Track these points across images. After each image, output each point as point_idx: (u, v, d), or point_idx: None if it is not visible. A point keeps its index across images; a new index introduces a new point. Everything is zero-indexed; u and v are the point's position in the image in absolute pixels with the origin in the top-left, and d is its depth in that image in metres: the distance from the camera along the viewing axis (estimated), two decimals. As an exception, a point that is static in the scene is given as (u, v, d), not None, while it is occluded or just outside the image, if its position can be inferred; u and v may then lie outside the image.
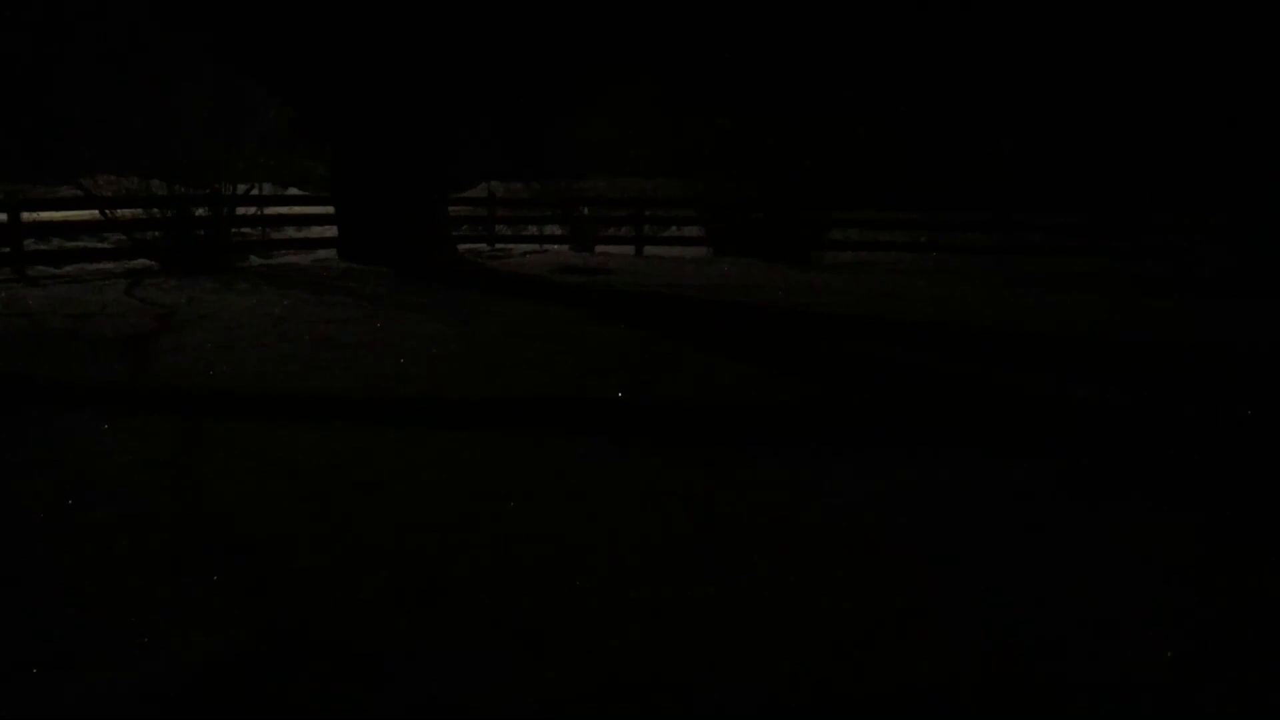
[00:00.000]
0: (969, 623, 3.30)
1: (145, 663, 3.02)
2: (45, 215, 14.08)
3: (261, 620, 3.31)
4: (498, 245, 17.60)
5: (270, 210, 16.53)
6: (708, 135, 17.54)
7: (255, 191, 14.57)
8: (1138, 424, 5.91)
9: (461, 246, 15.96)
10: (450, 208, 16.20)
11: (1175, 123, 18.64)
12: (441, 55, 13.59)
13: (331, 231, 15.51)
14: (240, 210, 14.32)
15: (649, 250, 17.11)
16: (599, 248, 17.50)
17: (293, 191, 22.75)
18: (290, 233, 17.13)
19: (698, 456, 5.12)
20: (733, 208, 16.84)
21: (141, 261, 13.75)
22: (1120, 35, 18.09)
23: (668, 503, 4.42)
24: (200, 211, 13.69)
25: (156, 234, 13.68)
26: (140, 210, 13.73)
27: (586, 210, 17.98)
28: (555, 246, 17.72)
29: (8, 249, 12.99)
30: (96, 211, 13.83)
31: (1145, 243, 16.23)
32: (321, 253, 15.49)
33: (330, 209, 15.53)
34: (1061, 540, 4.02)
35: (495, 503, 4.42)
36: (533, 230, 18.69)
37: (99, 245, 14.70)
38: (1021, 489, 4.60)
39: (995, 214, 16.96)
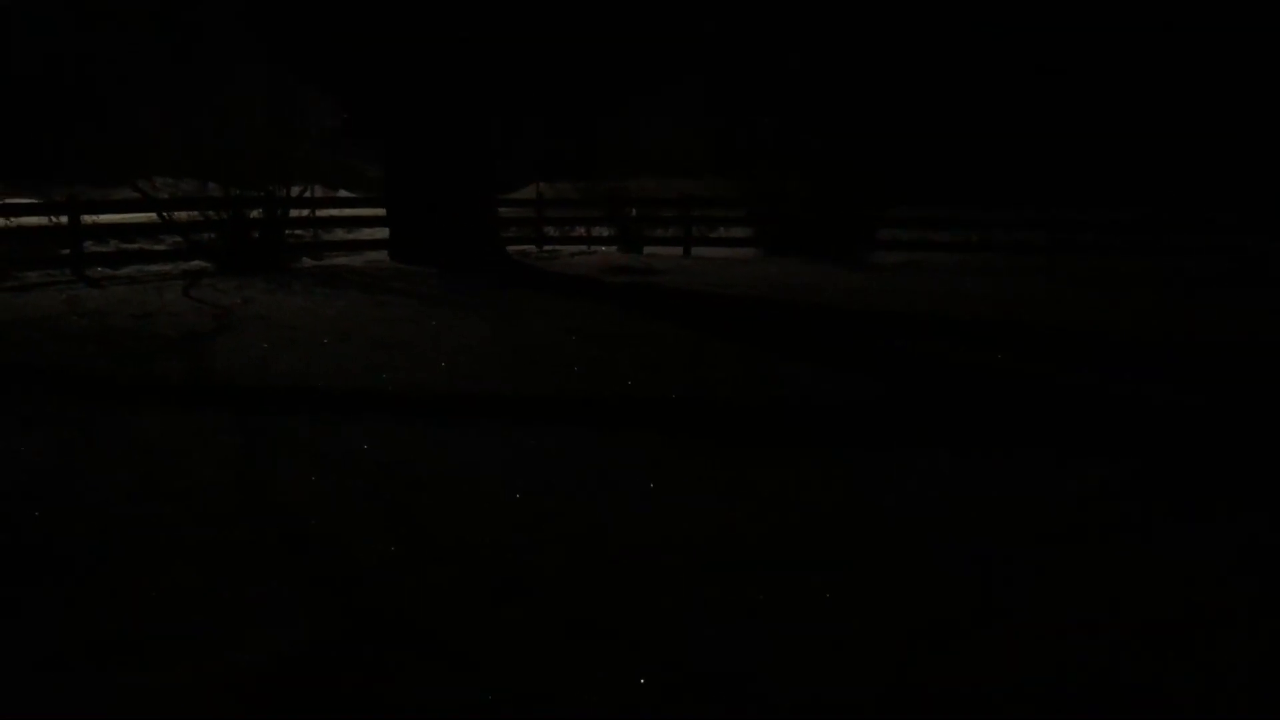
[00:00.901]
0: (1047, 624, 3.24)
1: (221, 652, 3.06)
2: (104, 218, 14.31)
3: (332, 613, 3.34)
4: (546, 246, 17.63)
5: (322, 212, 16.70)
6: (755, 134, 17.47)
7: (308, 194, 14.72)
8: (1213, 424, 5.79)
9: (510, 247, 16.01)
10: (499, 209, 16.26)
11: (1234, 117, 18.27)
12: (493, 57, 13.65)
13: (381, 233, 15.63)
14: (293, 212, 14.47)
15: (697, 251, 17.05)
16: (647, 248, 17.46)
17: (343, 193, 22.99)
18: (341, 234, 17.29)
19: (757, 456, 5.08)
20: (781, 207, 16.74)
21: (197, 263, 13.94)
22: (1177, 29, 17.76)
23: (730, 501, 4.39)
24: (254, 213, 13.86)
25: (211, 235, 13.87)
26: (196, 212, 13.92)
27: (634, 211, 17.94)
28: (603, 247, 17.73)
29: (67, 251, 13.23)
30: (153, 214, 14.04)
31: (1205, 241, 15.89)
32: (372, 254, 15.61)
33: (380, 211, 15.65)
34: (1137, 540, 3.94)
35: (557, 500, 4.42)
36: (580, 231, 18.71)
37: (156, 247, 14.92)
38: (1100, 488, 4.51)
39: (1047, 212, 16.70)
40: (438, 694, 2.86)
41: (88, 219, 13.38)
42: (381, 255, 15.08)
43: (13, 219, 13.36)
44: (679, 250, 17.06)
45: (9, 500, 4.37)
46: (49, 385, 6.63)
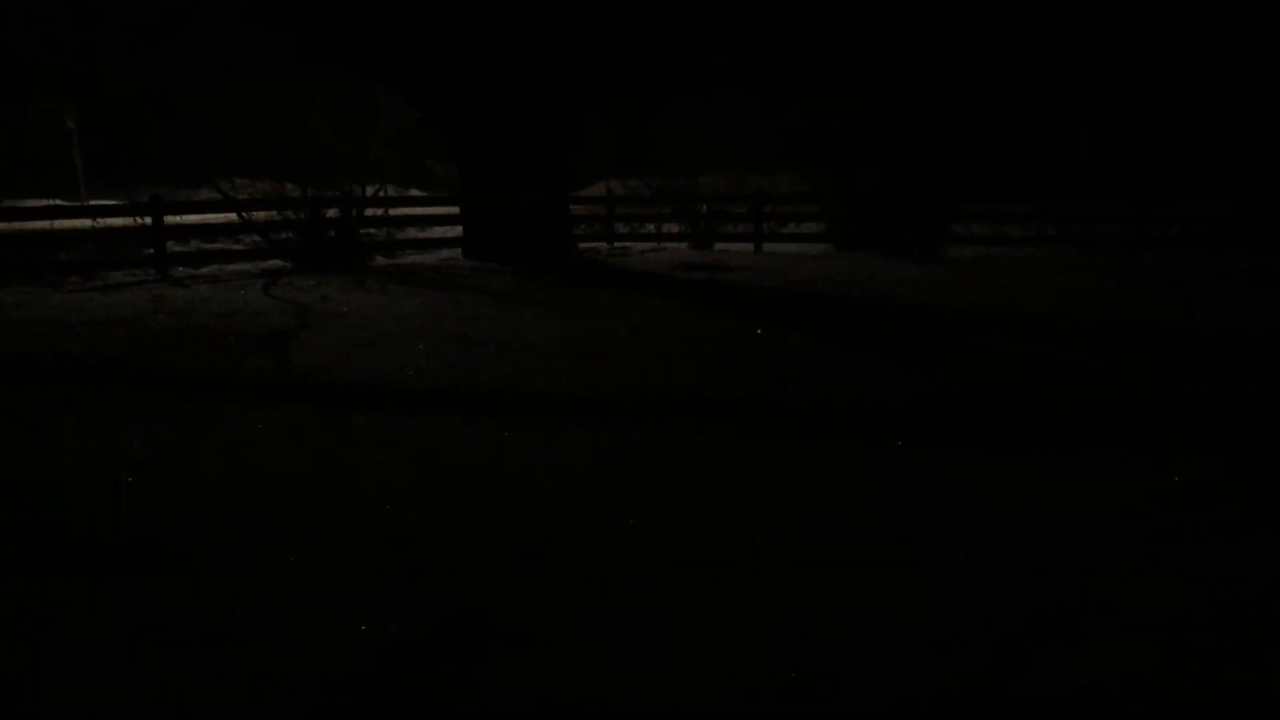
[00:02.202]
0: (1144, 627, 3.14)
1: (322, 644, 3.09)
2: (186, 218, 14.65)
3: (425, 606, 3.36)
4: (616, 243, 17.64)
5: (395, 211, 16.91)
6: (827, 129, 17.28)
7: (381, 193, 14.90)
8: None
9: (581, 245, 16.04)
10: (570, 207, 16.30)
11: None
12: (564, 53, 13.67)
13: (453, 231, 15.76)
14: (367, 211, 14.66)
15: (768, 247, 16.93)
16: (717, 245, 17.39)
17: (414, 192, 23.27)
18: (414, 233, 17.47)
19: (838, 453, 5.01)
20: (853, 202, 16.55)
21: (274, 261, 14.19)
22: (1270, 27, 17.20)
23: (816, 500, 4.33)
24: (330, 213, 14.07)
25: (289, 235, 14.11)
26: (274, 212, 14.17)
27: (705, 207, 17.87)
28: (673, 244, 17.69)
29: (151, 250, 13.55)
30: (233, 214, 14.33)
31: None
32: (444, 252, 15.76)
33: (451, 209, 15.78)
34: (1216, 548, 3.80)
35: (641, 495, 4.40)
36: (650, 228, 18.68)
37: (235, 246, 15.22)
38: (1186, 493, 4.37)
39: (1128, 204, 16.25)
40: (531, 686, 2.86)
41: (171, 219, 13.69)
42: (454, 253, 15.21)
43: (99, 220, 13.71)
44: (750, 246, 16.95)
45: (112, 494, 4.47)
46: (141, 382, 6.78)
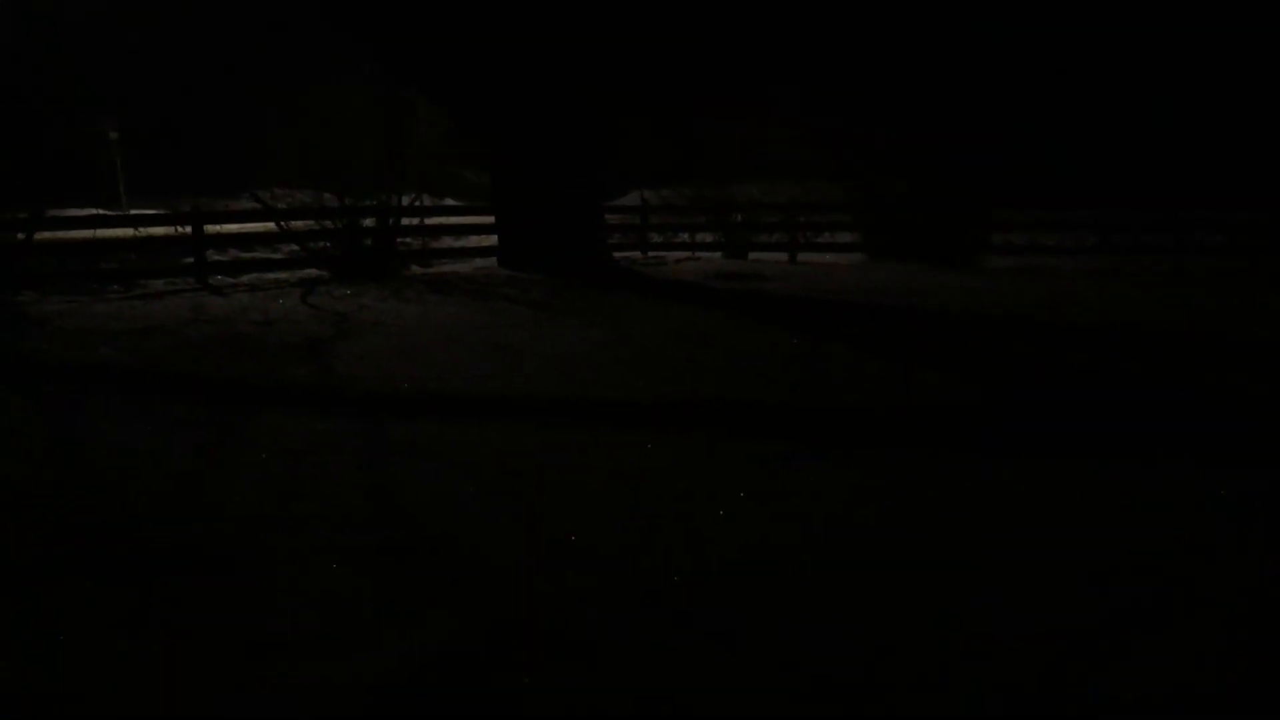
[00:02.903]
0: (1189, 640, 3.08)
1: (367, 651, 3.09)
2: (225, 228, 14.79)
3: (472, 613, 3.35)
4: (651, 252, 17.66)
5: (430, 220, 17.00)
6: (862, 137, 17.20)
7: (417, 202, 14.99)
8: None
9: (616, 254, 16.07)
10: (605, 216, 16.33)
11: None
12: (599, 63, 13.71)
13: (487, 240, 15.83)
14: (403, 221, 14.75)
15: (803, 256, 16.88)
16: (752, 254, 17.37)
17: (448, 201, 23.40)
18: (448, 242, 17.56)
19: (881, 460, 4.96)
20: (889, 211, 16.46)
21: (311, 270, 14.32)
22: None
23: (859, 506, 4.29)
24: (367, 222, 14.18)
25: (326, 244, 14.23)
26: (312, 221, 14.30)
27: (739, 217, 17.85)
28: (707, 254, 17.68)
29: (190, 259, 13.71)
30: (271, 223, 14.47)
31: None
32: (479, 261, 15.83)
33: (486, 218, 15.87)
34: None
35: (682, 504, 4.37)
36: (684, 237, 18.70)
37: (273, 255, 15.38)
38: (1241, 499, 4.28)
39: (1171, 212, 16.01)
40: (579, 695, 2.84)
41: (211, 229, 13.85)
42: (488, 262, 15.27)
43: (141, 229, 13.89)
44: (784, 256, 16.91)
45: (157, 499, 4.50)
46: (184, 390, 6.84)
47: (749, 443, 5.40)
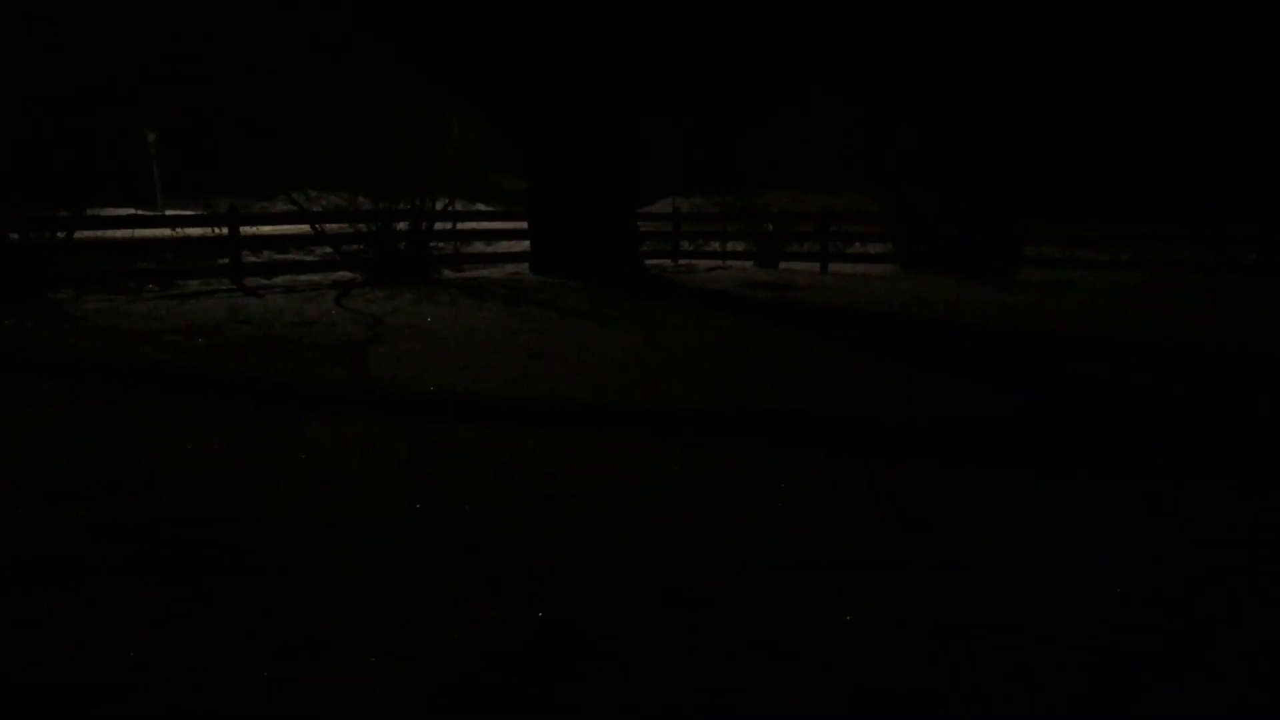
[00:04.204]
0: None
1: (407, 653, 3.10)
2: (261, 229, 14.93)
3: (509, 616, 3.36)
4: (681, 260, 17.67)
5: (462, 225, 17.08)
6: (895, 146, 17.14)
7: (451, 207, 15.06)
8: None
9: (646, 261, 16.08)
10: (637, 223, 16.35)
11: None
12: (634, 70, 13.74)
13: (519, 246, 15.89)
14: (436, 225, 14.82)
15: (834, 266, 16.83)
16: (783, 263, 17.33)
17: (480, 206, 23.53)
18: (480, 247, 17.65)
19: (917, 471, 4.93)
20: (922, 222, 16.38)
21: (344, 273, 14.42)
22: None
23: (897, 517, 4.26)
24: (400, 226, 14.26)
25: (360, 247, 14.32)
26: (347, 224, 14.40)
27: (771, 226, 17.82)
28: (738, 262, 17.66)
29: (225, 260, 13.84)
30: (306, 225, 14.57)
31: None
32: (510, 266, 15.89)
33: (518, 224, 15.94)
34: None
35: (722, 510, 4.36)
36: (715, 246, 18.70)
37: (307, 258, 15.50)
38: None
39: (1210, 225, 15.84)
40: (617, 698, 2.84)
41: (247, 230, 13.97)
42: (520, 267, 15.33)
43: (178, 229, 14.03)
44: (816, 266, 16.86)
45: (201, 499, 4.53)
46: (223, 390, 6.90)
47: (787, 451, 5.37)
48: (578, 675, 2.97)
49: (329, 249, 14.81)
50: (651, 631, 3.25)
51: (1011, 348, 8.96)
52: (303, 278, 14.39)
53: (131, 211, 20.38)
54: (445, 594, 3.54)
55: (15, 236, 12.03)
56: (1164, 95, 18.62)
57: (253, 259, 15.21)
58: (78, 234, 13.01)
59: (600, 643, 3.18)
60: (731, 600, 3.50)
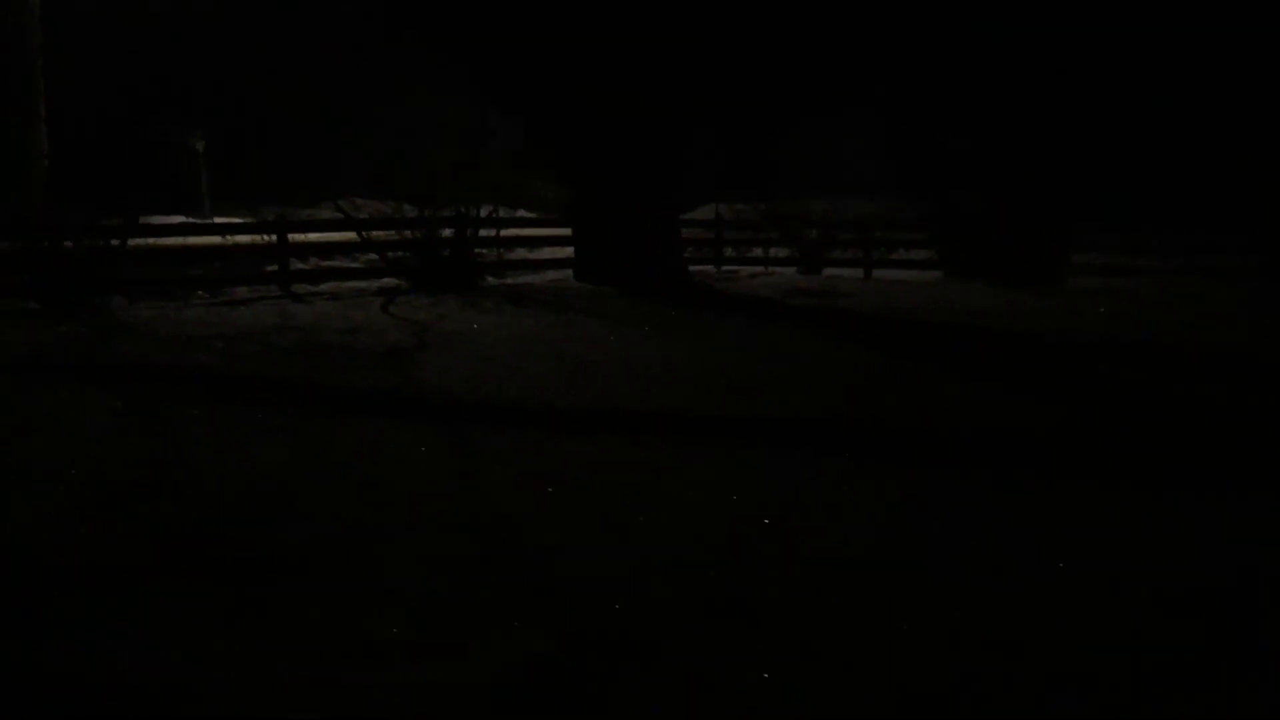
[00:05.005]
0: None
1: (468, 656, 3.14)
2: (309, 237, 15.09)
3: (567, 620, 3.39)
4: (724, 267, 17.63)
5: (506, 232, 17.16)
6: (939, 153, 17.00)
7: (495, 214, 15.14)
8: None
9: (690, 268, 16.06)
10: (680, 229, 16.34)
11: None
12: (676, 76, 13.76)
13: (562, 253, 15.92)
14: (480, 232, 14.90)
15: (878, 273, 16.71)
16: (826, 270, 17.23)
17: (522, 214, 23.61)
18: (523, 254, 17.70)
19: (960, 479, 4.89)
20: (967, 228, 16.22)
21: (389, 280, 14.54)
22: None
23: (949, 524, 4.23)
24: (445, 233, 14.36)
25: (405, 254, 14.44)
26: (392, 231, 14.53)
27: (814, 233, 17.73)
28: (781, 269, 17.59)
29: (273, 267, 14.01)
30: (352, 233, 14.73)
31: None
32: (552, 273, 15.93)
33: (562, 230, 15.97)
34: None
35: (769, 518, 4.36)
36: (758, 252, 18.63)
37: (352, 265, 15.63)
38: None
39: (1257, 233, 15.53)
40: (665, 706, 2.85)
41: (295, 238, 14.14)
42: (562, 274, 15.38)
43: (228, 237, 14.23)
44: (859, 272, 16.75)
45: (250, 503, 4.60)
46: (273, 395, 7.00)
47: (833, 459, 5.35)
48: (617, 685, 2.99)
49: (374, 255, 14.94)
50: (694, 639, 3.26)
51: (1056, 357, 8.86)
52: (348, 284, 14.51)
53: (182, 219, 20.69)
54: (489, 600, 3.57)
55: (69, 244, 12.26)
56: (1218, 100, 18.32)
57: (300, 265, 15.37)
58: (130, 242, 13.23)
59: (641, 651, 3.19)
60: (775, 608, 3.50)
